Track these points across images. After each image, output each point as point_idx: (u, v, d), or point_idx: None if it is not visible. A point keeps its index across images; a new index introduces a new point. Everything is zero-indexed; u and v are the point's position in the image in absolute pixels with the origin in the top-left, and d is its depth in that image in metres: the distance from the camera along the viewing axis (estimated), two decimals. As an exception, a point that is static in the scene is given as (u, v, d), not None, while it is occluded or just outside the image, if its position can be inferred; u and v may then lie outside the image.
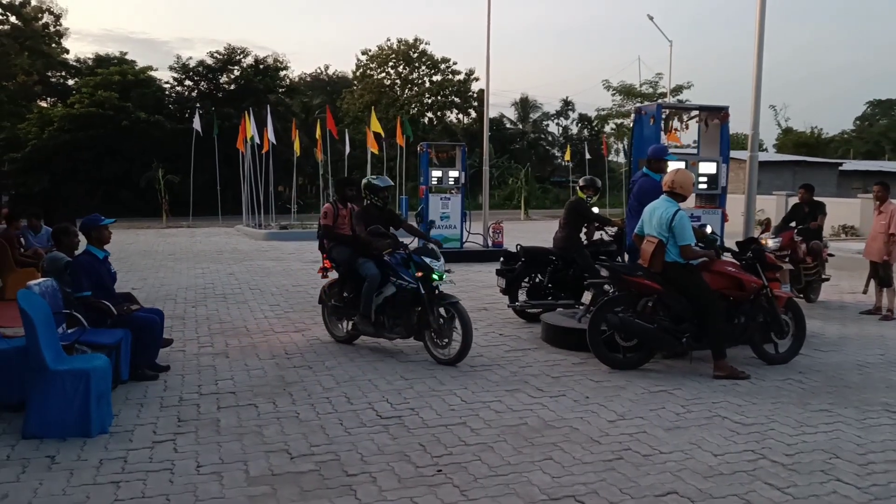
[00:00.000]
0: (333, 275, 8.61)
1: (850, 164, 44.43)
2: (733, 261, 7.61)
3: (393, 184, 8.31)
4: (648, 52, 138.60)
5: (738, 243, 7.93)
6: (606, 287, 7.68)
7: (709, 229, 7.82)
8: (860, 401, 6.38)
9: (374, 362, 7.59)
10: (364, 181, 8.54)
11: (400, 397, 6.36)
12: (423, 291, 7.50)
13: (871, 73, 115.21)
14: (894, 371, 7.45)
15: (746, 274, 7.40)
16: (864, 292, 10.90)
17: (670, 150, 8.29)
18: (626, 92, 42.30)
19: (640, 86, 41.23)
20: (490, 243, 18.04)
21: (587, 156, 39.87)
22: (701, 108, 8.78)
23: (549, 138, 66.36)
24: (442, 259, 7.76)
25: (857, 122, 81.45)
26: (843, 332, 9.34)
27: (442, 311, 7.48)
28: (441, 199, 17.00)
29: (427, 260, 7.60)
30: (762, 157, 21.63)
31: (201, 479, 4.66)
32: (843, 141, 71.69)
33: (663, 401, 6.32)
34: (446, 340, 7.45)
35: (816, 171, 37.20)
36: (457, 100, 60.50)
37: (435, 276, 7.54)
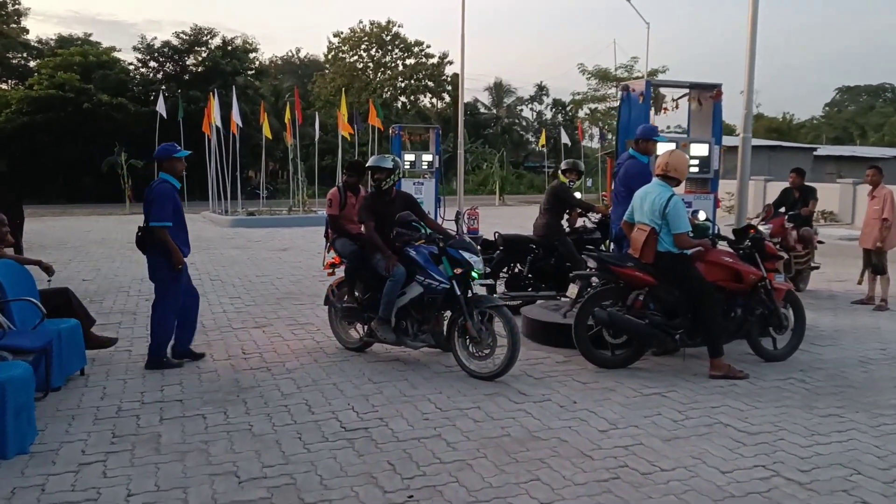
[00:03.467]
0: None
1: (823, 150, 44.27)
2: (730, 250, 7.05)
3: (388, 165, 7.08)
4: (624, 36, 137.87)
5: (734, 231, 7.36)
6: (594, 279, 7.06)
7: (702, 216, 7.25)
8: (870, 403, 5.84)
9: (339, 362, 6.93)
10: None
11: (367, 404, 5.71)
12: (458, 292, 6.44)
13: (842, 59, 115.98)
14: (900, 368, 6.95)
15: (744, 264, 6.84)
16: (859, 282, 10.40)
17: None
18: (602, 76, 41.62)
19: (616, 69, 40.61)
20: (465, 230, 17.39)
21: (563, 141, 39.28)
22: (692, 86, 8.18)
23: (524, 123, 65.78)
24: (479, 255, 6.78)
25: (827, 108, 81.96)
26: (837, 324, 8.83)
27: (477, 315, 6.38)
28: (414, 183, 16.30)
29: (465, 255, 6.56)
30: (735, 142, 21.14)
31: (132, 510, 4.00)
32: (812, 127, 72.00)
33: (657, 405, 5.74)
34: (487, 351, 6.39)
35: (791, 156, 36.85)
36: (430, 84, 59.65)
37: (474, 274, 6.53)
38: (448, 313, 6.72)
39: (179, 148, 6.86)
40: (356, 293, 7.27)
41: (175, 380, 6.35)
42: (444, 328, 6.73)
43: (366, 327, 7.18)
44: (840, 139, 65.93)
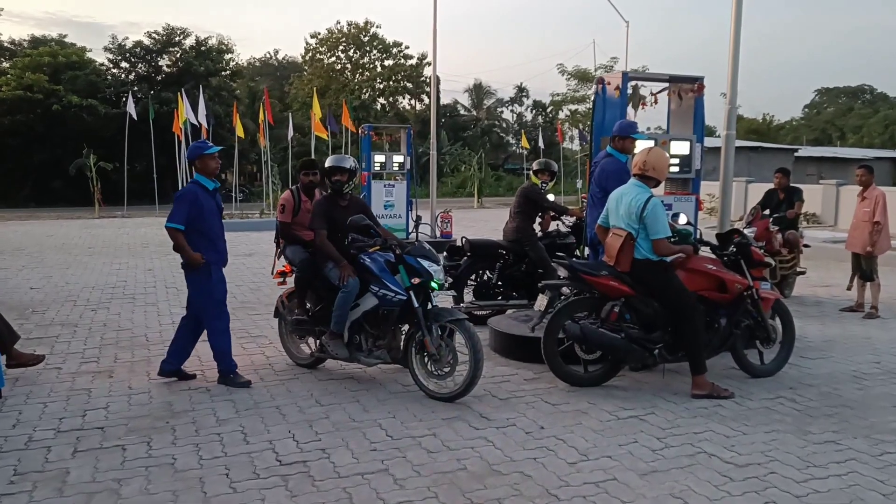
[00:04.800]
0: None
1: (804, 151, 44.12)
2: (713, 257, 6.50)
3: (350, 166, 6.50)
4: (604, 36, 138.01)
5: (718, 236, 6.82)
6: (564, 289, 6.48)
7: (683, 219, 6.69)
8: (868, 427, 5.30)
9: (287, 381, 6.31)
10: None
11: (311, 432, 5.09)
12: (416, 304, 5.83)
13: (821, 61, 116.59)
14: (896, 383, 6.42)
15: (729, 273, 6.28)
16: (849, 288, 9.91)
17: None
18: (581, 77, 41.25)
19: (595, 70, 40.19)
20: (438, 234, 16.84)
21: (541, 143, 38.77)
22: (672, 79, 7.61)
23: (504, 125, 65.33)
24: (441, 263, 6.14)
25: (806, 109, 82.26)
26: (826, 334, 8.32)
27: (438, 329, 5.79)
28: (385, 185, 15.71)
29: (424, 263, 5.95)
30: (715, 143, 20.63)
31: (11, 572, 3.37)
32: (792, 128, 72.08)
33: (634, 431, 5.16)
34: (447, 369, 5.76)
35: (772, 157, 36.58)
36: (409, 85, 59.04)
37: (434, 285, 5.91)
38: (406, 327, 6.13)
39: (210, 144, 6.35)
40: (307, 304, 6.65)
41: (101, 402, 5.71)
42: (402, 343, 6.13)
43: (317, 342, 6.57)
44: (819, 141, 65.98)
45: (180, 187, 26.63)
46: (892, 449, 4.85)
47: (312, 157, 26.75)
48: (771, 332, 6.46)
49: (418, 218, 6.54)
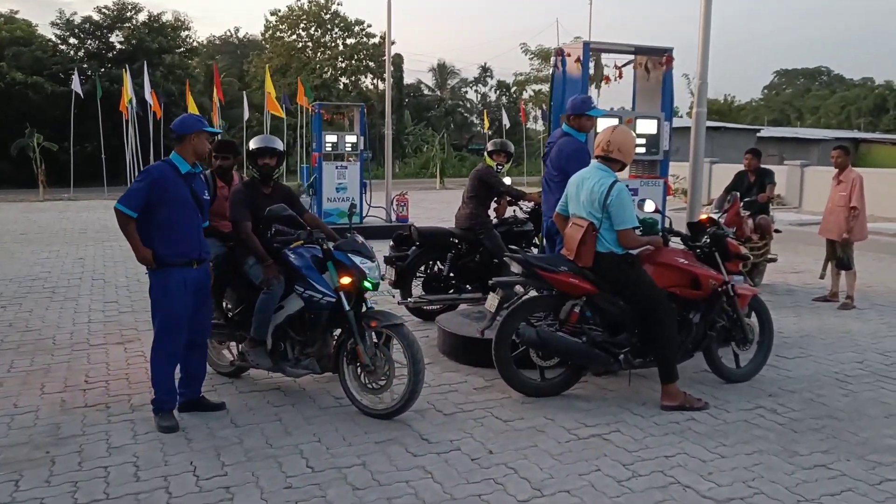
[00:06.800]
0: None
1: (766, 131, 43.90)
2: (685, 249, 5.80)
3: (277, 147, 5.68)
4: (568, 15, 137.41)
5: (689, 225, 6.13)
6: (518, 287, 5.74)
7: (650, 206, 5.96)
8: (862, 444, 4.65)
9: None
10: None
11: (216, 463, 4.29)
12: (347, 307, 5.08)
13: (780, 43, 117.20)
14: (884, 387, 5.79)
15: (703, 267, 5.59)
16: (822, 277, 9.32)
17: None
18: (544, 56, 40.64)
19: (559, 49, 39.64)
20: (394, 217, 16.04)
21: (505, 122, 38.00)
22: (638, 50, 6.86)
23: (468, 105, 64.47)
24: (376, 259, 5.34)
25: (765, 90, 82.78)
26: (802, 328, 7.72)
27: (373, 336, 5.07)
28: (337, 167, 14.83)
29: (356, 259, 5.20)
30: (678, 123, 19.99)
31: None
32: (752, 109, 72.36)
33: (597, 454, 4.45)
34: (382, 382, 5.03)
35: (734, 138, 36.24)
36: (371, 64, 57.82)
37: (367, 285, 5.16)
38: (338, 332, 5.35)
39: (204, 123, 5.04)
40: (226, 305, 5.84)
41: (-24, 426, 4.87)
42: (333, 350, 5.35)
43: (239, 348, 5.77)
44: (778, 121, 66.24)
45: (127, 168, 25.57)
46: (891, 475, 4.19)
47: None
48: (748, 333, 5.80)
49: (351, 205, 5.71)
